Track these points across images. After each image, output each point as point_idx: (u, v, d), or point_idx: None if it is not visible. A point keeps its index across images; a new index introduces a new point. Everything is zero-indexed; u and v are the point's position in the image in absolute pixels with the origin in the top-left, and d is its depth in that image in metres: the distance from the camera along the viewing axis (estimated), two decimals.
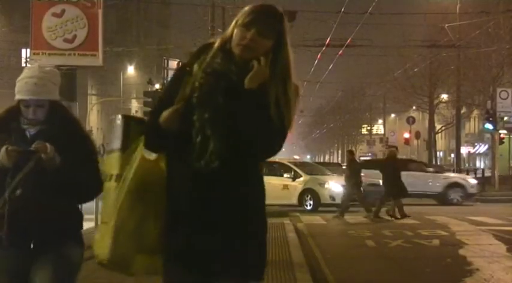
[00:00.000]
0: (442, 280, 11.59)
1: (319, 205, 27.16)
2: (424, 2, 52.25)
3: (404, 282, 11.55)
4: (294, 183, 27.65)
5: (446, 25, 44.21)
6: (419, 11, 50.36)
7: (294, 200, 27.28)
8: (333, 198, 27.10)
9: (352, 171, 24.17)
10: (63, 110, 4.60)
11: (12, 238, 4.29)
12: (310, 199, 27.41)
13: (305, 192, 27.41)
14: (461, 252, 14.68)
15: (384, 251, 15.04)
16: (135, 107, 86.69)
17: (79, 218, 4.61)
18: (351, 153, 26.12)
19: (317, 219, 23.01)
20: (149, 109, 23.12)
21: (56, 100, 4.56)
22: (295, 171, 28.15)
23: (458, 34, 45.69)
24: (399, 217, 22.48)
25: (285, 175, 28.12)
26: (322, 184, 27.54)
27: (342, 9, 38.06)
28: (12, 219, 4.26)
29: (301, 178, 27.68)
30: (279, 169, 28.26)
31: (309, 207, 27.13)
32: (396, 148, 25.89)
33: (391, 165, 23.09)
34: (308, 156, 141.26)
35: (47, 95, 4.47)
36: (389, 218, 22.68)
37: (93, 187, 4.36)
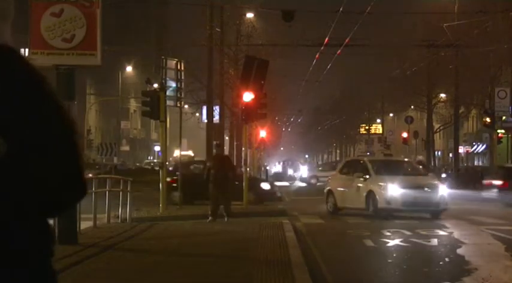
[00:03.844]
0: (440, 280, 11.60)
1: (377, 210, 23.03)
2: (422, 2, 52.29)
3: (402, 281, 11.56)
4: (363, 184, 23.96)
5: (445, 25, 44.24)
6: (418, 10, 50.40)
7: (362, 203, 23.60)
8: (388, 202, 22.79)
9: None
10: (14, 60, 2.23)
11: None
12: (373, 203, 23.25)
13: (369, 195, 23.40)
14: (460, 251, 14.69)
15: (382, 251, 15.04)
16: (134, 106, 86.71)
17: (41, 247, 2.24)
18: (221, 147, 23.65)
19: (315, 219, 23.01)
20: (147, 108, 23.13)
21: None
22: (367, 169, 24.34)
23: (457, 34, 45.74)
24: None
25: (360, 174, 24.53)
26: (381, 185, 23.29)
27: (341, 9, 38.09)
28: None
29: (369, 178, 23.91)
30: (354, 168, 25.41)
31: (369, 211, 23.18)
32: None
33: None
34: (306, 156, 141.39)
35: None
36: None
37: (67, 192, 2.20)
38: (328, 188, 25.93)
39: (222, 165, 21.06)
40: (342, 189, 24.92)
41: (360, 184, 23.89)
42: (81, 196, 2.21)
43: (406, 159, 32.49)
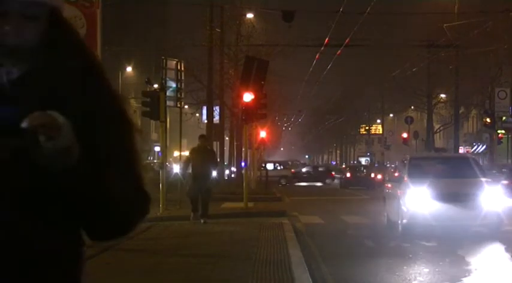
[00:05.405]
0: (440, 280, 11.59)
1: (402, 224, 17.98)
2: (422, 2, 52.30)
3: (402, 281, 11.54)
4: (396, 190, 19.54)
5: (445, 25, 44.24)
6: (418, 11, 50.40)
7: (397, 215, 18.67)
8: (413, 215, 17.38)
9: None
10: (69, 28, 2.03)
11: None
12: None
13: (399, 204, 18.49)
14: (460, 251, 14.67)
15: (382, 251, 15.03)
16: (134, 107, 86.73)
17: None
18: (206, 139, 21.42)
19: (315, 219, 23.00)
20: (147, 109, 23.12)
21: (59, 6, 2.11)
22: (403, 170, 19.46)
23: (457, 34, 45.74)
24: None
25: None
26: (408, 193, 18.00)
27: (341, 9, 38.10)
28: None
29: (402, 182, 18.99)
30: (399, 169, 21.42)
31: (399, 225, 18.27)
32: None
33: None
34: (307, 156, 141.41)
35: None
36: None
37: (134, 209, 1.82)
38: (383, 195, 21.39)
39: (204, 158, 19.32)
40: (388, 196, 20.36)
41: (395, 191, 19.23)
42: (147, 211, 1.75)
43: (463, 156, 25.00)
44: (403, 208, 17.43)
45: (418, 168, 19.08)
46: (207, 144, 21.06)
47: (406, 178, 18.24)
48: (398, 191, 18.35)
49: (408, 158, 20.21)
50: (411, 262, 13.36)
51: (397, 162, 29.57)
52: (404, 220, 17.28)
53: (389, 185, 21.02)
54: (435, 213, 17.02)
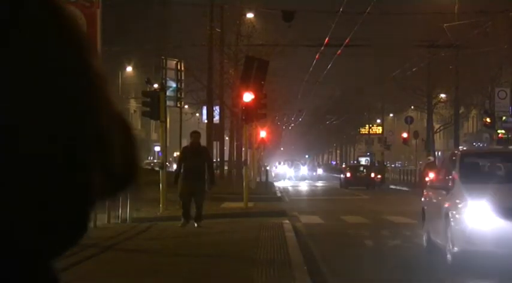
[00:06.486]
0: (440, 280, 11.58)
1: (452, 253, 12.64)
2: (422, 2, 52.27)
3: (403, 281, 11.53)
4: (443, 202, 13.65)
5: (445, 25, 44.23)
6: (418, 11, 50.38)
7: (444, 236, 13.13)
8: (469, 239, 12.16)
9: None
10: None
11: None
12: None
13: (446, 222, 13.00)
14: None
15: (382, 251, 15.03)
16: (134, 107, 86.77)
17: None
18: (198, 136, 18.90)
19: (315, 219, 22.99)
20: (148, 109, 23.13)
21: None
22: (453, 172, 13.56)
23: (457, 34, 45.72)
24: None
25: None
26: (460, 207, 12.57)
27: (341, 9, 38.12)
28: None
29: (451, 190, 13.17)
30: (447, 169, 14.53)
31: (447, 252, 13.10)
32: None
33: None
34: (307, 156, 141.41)
35: None
36: None
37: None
38: (423, 206, 15.63)
39: (197, 157, 17.84)
40: (430, 208, 14.76)
41: (439, 202, 13.60)
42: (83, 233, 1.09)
43: None
44: (455, 227, 12.21)
45: (474, 169, 13.83)
46: (200, 141, 18.95)
47: (457, 185, 12.92)
48: (446, 203, 12.91)
49: (459, 154, 14.08)
50: (411, 262, 13.28)
51: (441, 160, 20.81)
52: (456, 248, 12.12)
53: (430, 193, 15.05)
54: (500, 237, 11.80)
